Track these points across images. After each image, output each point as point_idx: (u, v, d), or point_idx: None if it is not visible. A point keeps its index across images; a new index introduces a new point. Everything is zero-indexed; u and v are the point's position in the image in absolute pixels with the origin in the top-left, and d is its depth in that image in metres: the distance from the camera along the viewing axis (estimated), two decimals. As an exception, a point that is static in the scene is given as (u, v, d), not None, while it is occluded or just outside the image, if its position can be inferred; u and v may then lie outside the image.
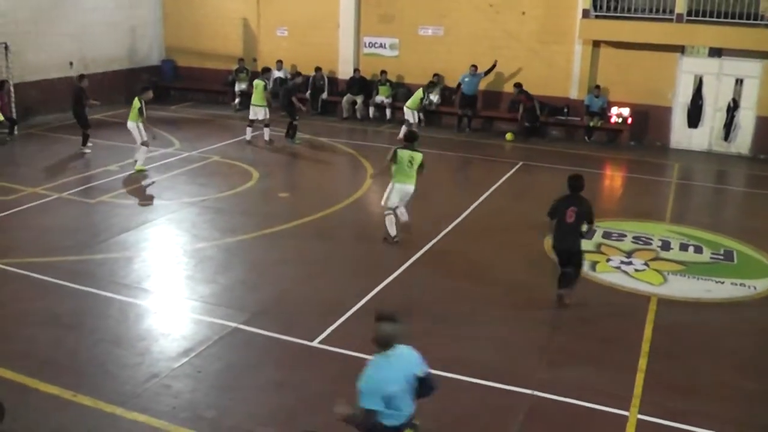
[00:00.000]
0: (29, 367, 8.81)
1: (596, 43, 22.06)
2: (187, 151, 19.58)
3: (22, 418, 7.60)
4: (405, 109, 21.73)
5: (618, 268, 12.49)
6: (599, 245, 13.46)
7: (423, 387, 5.98)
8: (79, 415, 7.91)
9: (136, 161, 17.64)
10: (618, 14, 21.38)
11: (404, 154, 13.00)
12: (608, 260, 12.78)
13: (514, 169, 18.67)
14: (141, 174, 17.36)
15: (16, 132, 20.51)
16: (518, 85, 21.93)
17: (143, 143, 17.54)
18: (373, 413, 5.62)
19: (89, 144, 19.22)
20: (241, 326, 9.96)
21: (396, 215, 13.25)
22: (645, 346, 9.72)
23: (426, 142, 20.99)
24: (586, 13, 21.61)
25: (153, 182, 16.82)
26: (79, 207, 14.99)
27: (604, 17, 21.47)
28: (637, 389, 8.67)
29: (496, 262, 12.79)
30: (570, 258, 10.82)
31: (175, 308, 10.63)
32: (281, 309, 10.67)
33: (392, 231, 13.27)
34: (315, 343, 9.53)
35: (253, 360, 9.30)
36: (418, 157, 13.05)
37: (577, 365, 9.30)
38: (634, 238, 13.92)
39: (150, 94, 17.96)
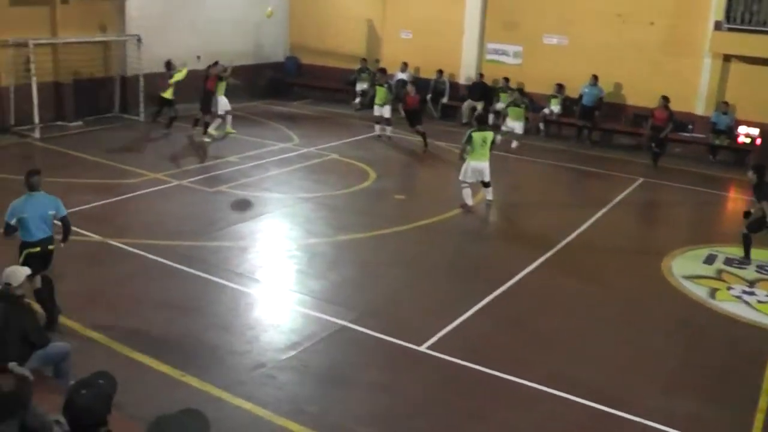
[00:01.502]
0: (142, 344, 9.11)
1: (727, 57, 21.11)
2: (305, 147, 19.80)
3: (133, 391, 7.76)
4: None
5: (739, 297, 11.90)
6: (720, 272, 12.91)
7: (64, 227, 9.37)
8: (187, 395, 8.06)
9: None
10: (753, 27, 20.33)
11: (478, 135, 14.88)
12: (729, 288, 12.23)
13: (634, 186, 18.11)
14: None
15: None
16: (665, 99, 19.97)
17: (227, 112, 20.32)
18: (9, 225, 8.91)
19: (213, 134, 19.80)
20: (349, 325, 9.97)
21: (471, 189, 15.15)
22: (766, 384, 9.22)
23: (545, 153, 20.81)
24: (718, 25, 20.74)
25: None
26: (198, 195, 15.31)
27: (738, 30, 20.47)
28: (756, 430, 8.22)
29: (611, 280, 12.42)
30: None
31: (285, 301, 10.75)
32: (390, 310, 10.64)
33: (469, 201, 15.14)
34: (422, 348, 9.44)
35: (359, 359, 9.30)
36: (490, 135, 15.10)
37: (690, 396, 8.90)
38: (758, 266, 13.22)
39: (219, 68, 20.34)
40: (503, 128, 20.65)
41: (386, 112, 21.24)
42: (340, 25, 27.25)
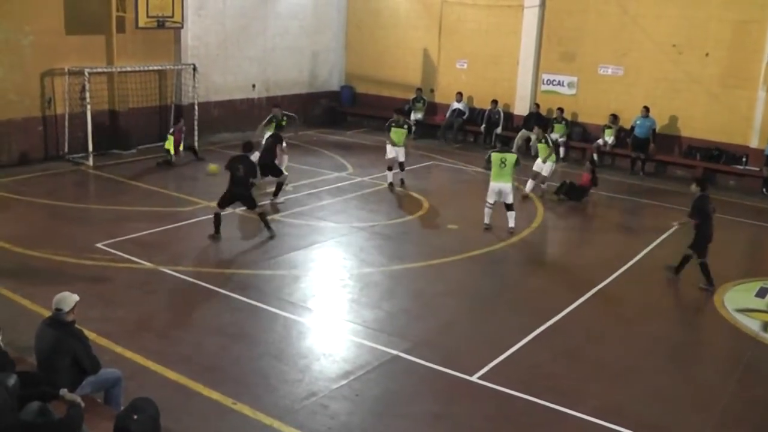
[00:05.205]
0: (193, 371, 9.11)
1: (782, 90, 20.79)
2: (359, 176, 19.83)
3: (184, 419, 7.77)
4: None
5: (794, 332, 11.54)
6: (773, 306, 12.60)
7: None
8: (238, 423, 8.08)
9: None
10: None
11: (496, 156, 15.41)
12: (784, 322, 11.88)
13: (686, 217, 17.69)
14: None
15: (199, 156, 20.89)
16: None
17: None
18: None
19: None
20: (402, 354, 9.88)
21: (492, 210, 15.56)
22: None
23: (599, 184, 20.44)
24: (772, 57, 20.46)
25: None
26: (251, 223, 15.33)
27: (793, 62, 20.15)
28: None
29: (663, 313, 12.20)
30: None
31: (338, 330, 10.69)
32: (443, 341, 10.53)
33: (486, 219, 15.60)
34: (474, 378, 9.34)
35: (411, 389, 9.19)
36: (512, 157, 15.34)
37: (744, 432, 8.62)
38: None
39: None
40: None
41: (401, 154, 19.07)
42: (396, 55, 27.36)
